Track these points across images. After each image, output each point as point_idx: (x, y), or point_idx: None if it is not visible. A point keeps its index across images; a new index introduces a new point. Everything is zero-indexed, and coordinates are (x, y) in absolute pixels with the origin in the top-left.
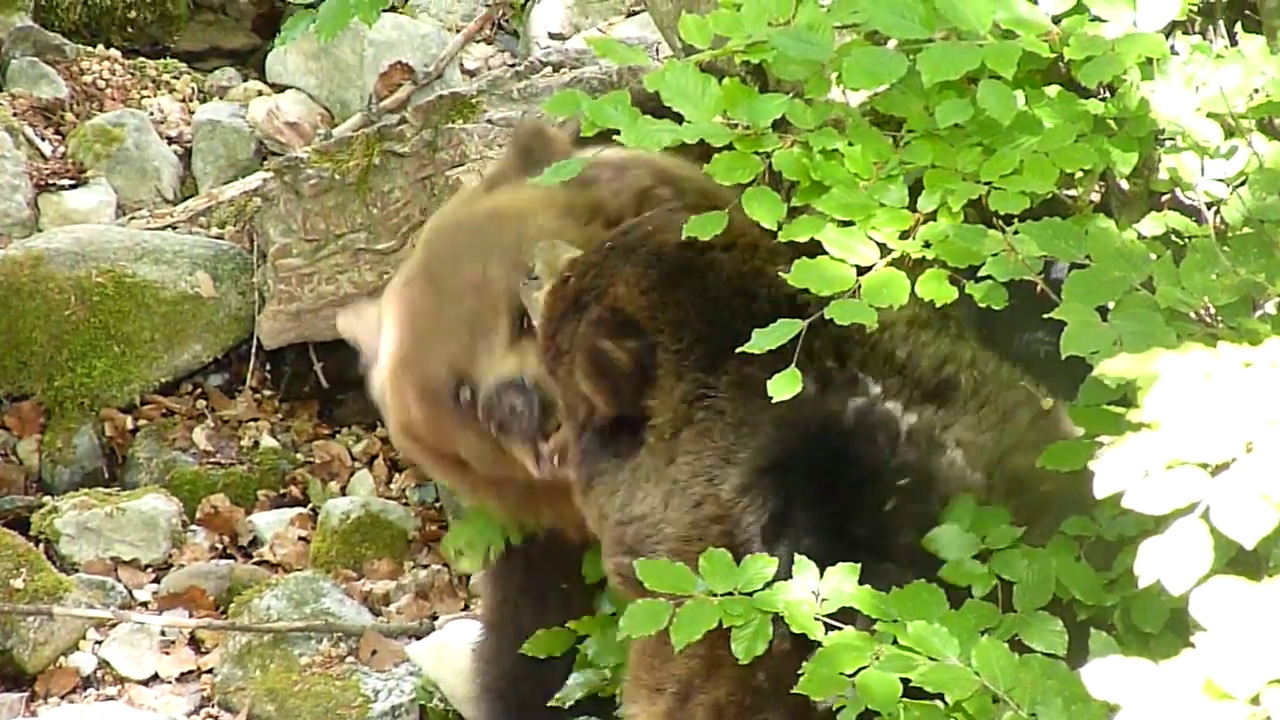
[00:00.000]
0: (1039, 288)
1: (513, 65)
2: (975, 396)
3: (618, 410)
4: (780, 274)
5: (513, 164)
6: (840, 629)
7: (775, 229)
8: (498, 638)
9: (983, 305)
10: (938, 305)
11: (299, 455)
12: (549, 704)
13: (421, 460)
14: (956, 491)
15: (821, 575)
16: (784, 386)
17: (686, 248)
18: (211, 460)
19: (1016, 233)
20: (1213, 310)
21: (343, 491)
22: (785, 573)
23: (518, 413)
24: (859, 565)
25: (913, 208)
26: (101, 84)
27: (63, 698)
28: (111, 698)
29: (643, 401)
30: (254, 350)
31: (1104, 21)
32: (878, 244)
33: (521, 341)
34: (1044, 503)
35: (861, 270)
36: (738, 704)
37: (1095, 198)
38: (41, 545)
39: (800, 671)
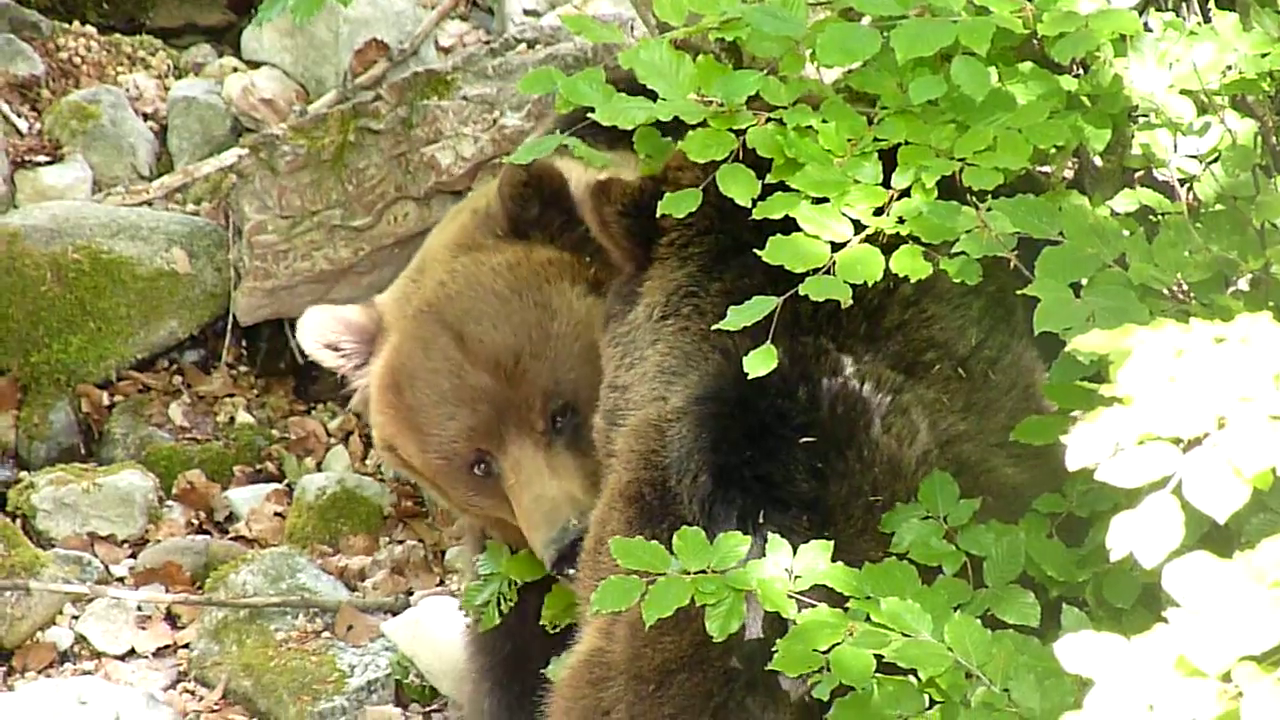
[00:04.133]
0: (1013, 264)
1: (488, 42)
2: (953, 378)
3: (611, 241)
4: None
5: (505, 216)
6: (815, 605)
7: (750, 205)
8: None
9: (956, 280)
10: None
11: (275, 431)
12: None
13: (403, 470)
14: (884, 458)
15: (708, 511)
16: (759, 363)
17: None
18: (187, 436)
19: (990, 209)
20: (1185, 287)
21: (318, 467)
22: (693, 518)
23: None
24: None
25: (887, 184)
26: (78, 61)
27: (40, 672)
28: (88, 672)
29: (642, 270)
30: (230, 326)
31: None
32: (852, 220)
33: (557, 457)
34: (981, 491)
35: (836, 246)
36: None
37: (1069, 174)
38: (18, 520)
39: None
